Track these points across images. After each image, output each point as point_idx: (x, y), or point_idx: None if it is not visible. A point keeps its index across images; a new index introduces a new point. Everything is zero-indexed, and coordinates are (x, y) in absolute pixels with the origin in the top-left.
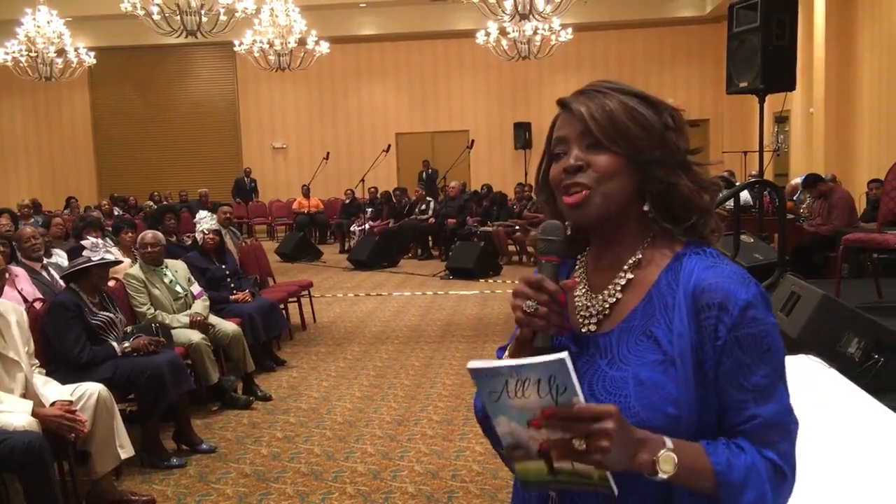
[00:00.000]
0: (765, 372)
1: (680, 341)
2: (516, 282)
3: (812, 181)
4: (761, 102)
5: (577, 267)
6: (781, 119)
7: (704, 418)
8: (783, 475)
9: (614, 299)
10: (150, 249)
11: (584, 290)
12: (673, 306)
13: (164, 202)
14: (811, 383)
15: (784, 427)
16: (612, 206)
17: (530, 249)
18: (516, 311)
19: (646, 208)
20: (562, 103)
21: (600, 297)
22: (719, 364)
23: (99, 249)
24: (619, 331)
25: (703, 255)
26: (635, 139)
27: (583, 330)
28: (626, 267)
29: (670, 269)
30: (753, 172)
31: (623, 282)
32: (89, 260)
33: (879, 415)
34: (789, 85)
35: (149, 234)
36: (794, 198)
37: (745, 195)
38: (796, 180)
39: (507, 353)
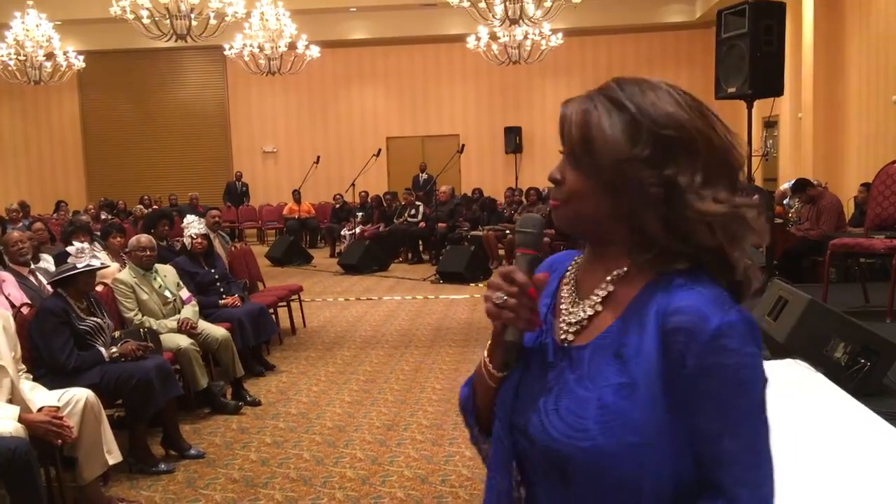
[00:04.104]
0: (738, 405)
1: (646, 365)
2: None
3: (801, 186)
4: (749, 108)
5: (569, 267)
6: (770, 124)
7: (678, 445)
8: None
9: (593, 311)
10: (148, 253)
11: (570, 296)
12: (644, 327)
13: (155, 206)
14: (798, 387)
15: (756, 471)
16: (583, 224)
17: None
18: (487, 303)
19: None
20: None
21: (581, 306)
22: (687, 392)
23: (84, 255)
24: (593, 346)
25: (687, 273)
26: (598, 162)
27: (561, 336)
28: (609, 279)
29: (650, 286)
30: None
31: (604, 293)
32: (75, 267)
33: (865, 419)
34: (777, 90)
35: (143, 238)
36: (784, 202)
37: None
38: (785, 185)
39: (486, 350)
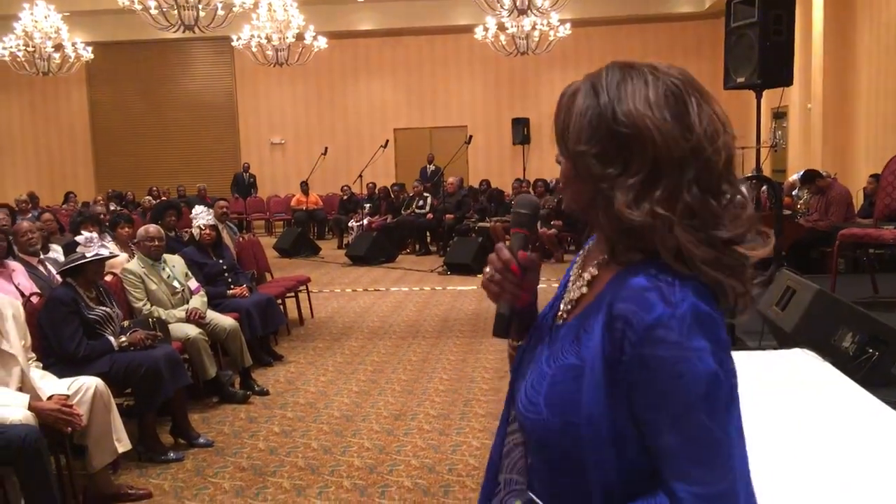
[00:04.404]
0: (678, 399)
1: (595, 349)
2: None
3: (811, 176)
4: (758, 98)
5: (586, 247)
6: (779, 115)
7: (621, 430)
8: None
9: (580, 293)
10: (156, 243)
11: (574, 275)
12: (600, 312)
13: (163, 197)
14: (805, 377)
15: (704, 468)
16: (577, 208)
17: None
18: (483, 278)
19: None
20: None
21: (575, 286)
22: (626, 381)
23: (93, 244)
24: (568, 327)
25: (657, 264)
26: (567, 150)
27: (559, 313)
28: (596, 262)
29: (621, 273)
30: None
31: (588, 277)
32: (83, 256)
33: (873, 408)
34: (787, 80)
35: (152, 228)
36: (793, 193)
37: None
38: (794, 176)
39: None
